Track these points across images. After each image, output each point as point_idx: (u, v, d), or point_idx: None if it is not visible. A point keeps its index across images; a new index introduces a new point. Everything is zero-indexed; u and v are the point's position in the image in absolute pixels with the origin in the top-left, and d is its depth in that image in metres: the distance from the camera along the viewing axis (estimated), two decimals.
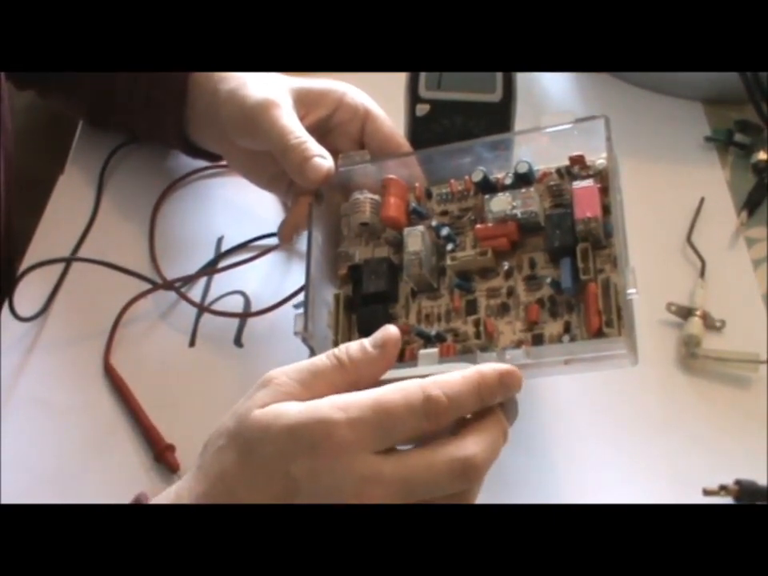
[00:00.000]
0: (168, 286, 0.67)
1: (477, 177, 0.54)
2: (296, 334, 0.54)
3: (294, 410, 0.42)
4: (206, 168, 0.75)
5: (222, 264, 0.69)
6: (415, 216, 0.57)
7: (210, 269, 0.69)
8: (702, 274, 0.67)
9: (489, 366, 0.44)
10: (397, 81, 0.64)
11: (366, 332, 0.55)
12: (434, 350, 0.50)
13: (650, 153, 0.75)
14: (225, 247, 0.71)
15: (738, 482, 0.53)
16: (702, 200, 0.72)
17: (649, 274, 0.66)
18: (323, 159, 0.57)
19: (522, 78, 0.64)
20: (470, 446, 0.42)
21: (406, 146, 0.62)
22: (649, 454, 0.58)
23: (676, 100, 0.80)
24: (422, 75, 0.64)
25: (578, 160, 0.54)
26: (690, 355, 0.62)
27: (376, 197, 0.57)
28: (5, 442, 0.59)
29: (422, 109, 0.66)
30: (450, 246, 0.54)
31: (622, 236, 0.50)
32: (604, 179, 0.52)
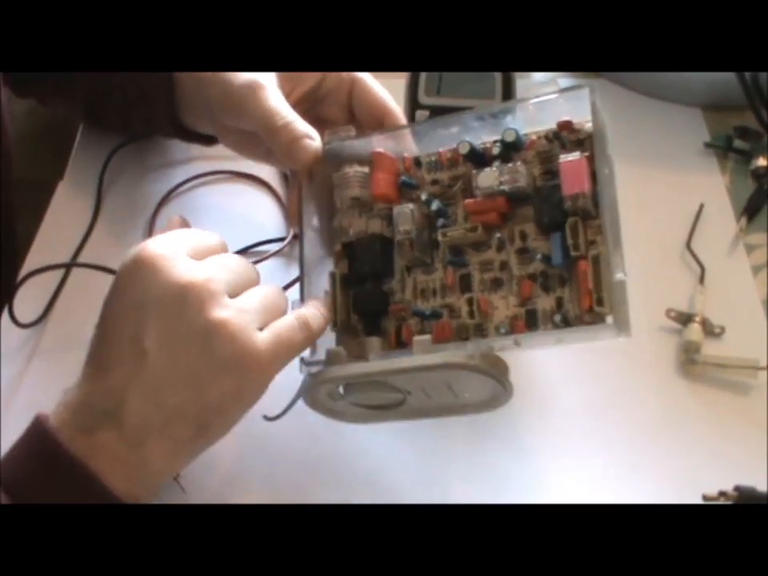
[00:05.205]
0: None
1: (464, 149, 0.54)
2: None
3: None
4: (205, 174, 0.75)
5: None
6: (406, 188, 0.56)
7: None
8: (702, 280, 0.67)
9: None
10: (396, 87, 0.64)
11: (363, 312, 0.55)
12: (427, 337, 0.51)
13: (650, 159, 0.76)
14: None
15: (737, 488, 0.53)
16: (702, 206, 0.72)
17: (648, 280, 0.67)
18: (311, 140, 0.57)
19: (522, 85, 0.64)
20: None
21: (394, 107, 0.61)
22: (648, 460, 0.58)
23: (675, 106, 0.80)
24: (422, 81, 0.64)
25: (565, 126, 0.52)
26: (690, 361, 0.62)
27: (365, 170, 0.56)
28: (5, 449, 0.59)
29: (422, 115, 0.66)
30: (440, 221, 0.54)
31: (610, 216, 0.49)
32: (593, 144, 0.52)
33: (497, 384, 0.50)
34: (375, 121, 0.61)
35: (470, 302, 0.52)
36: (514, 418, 0.60)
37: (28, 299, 0.66)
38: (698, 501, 0.53)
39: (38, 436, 0.46)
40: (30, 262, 0.69)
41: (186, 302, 0.46)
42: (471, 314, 0.52)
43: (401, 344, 0.54)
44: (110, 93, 0.70)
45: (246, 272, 0.52)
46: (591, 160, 0.51)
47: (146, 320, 0.46)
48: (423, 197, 0.55)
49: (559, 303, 0.50)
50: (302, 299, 0.55)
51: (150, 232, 0.71)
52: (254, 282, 0.52)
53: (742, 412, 0.60)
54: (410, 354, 0.51)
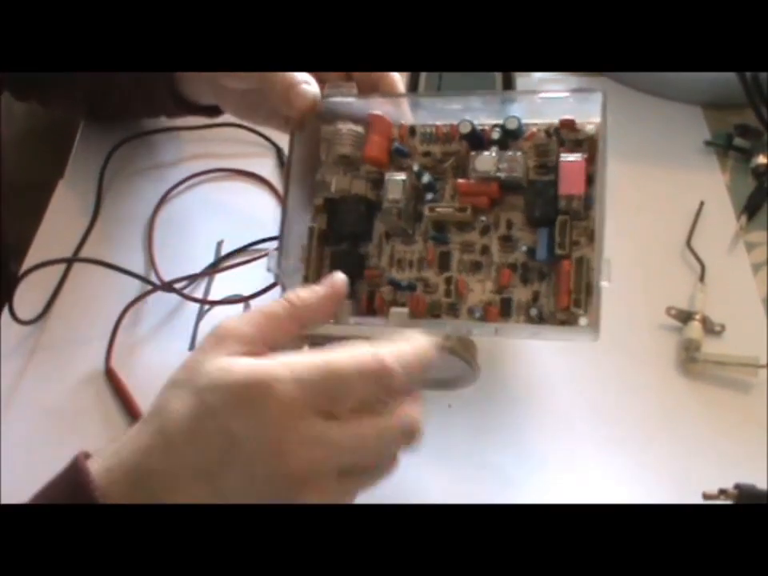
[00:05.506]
0: (168, 287, 0.67)
1: (465, 128, 0.53)
2: (268, 270, 0.54)
3: (241, 364, 0.41)
4: (205, 172, 0.75)
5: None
6: (397, 155, 0.56)
7: (211, 269, 0.69)
8: (702, 278, 0.67)
9: (430, 342, 0.45)
10: None
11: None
12: (405, 310, 0.52)
13: (650, 157, 0.76)
14: (225, 251, 0.71)
15: (737, 486, 0.53)
16: (702, 204, 0.72)
17: (649, 277, 0.67)
18: (308, 85, 0.57)
19: (522, 84, 0.64)
20: (415, 413, 0.43)
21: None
22: (649, 458, 0.58)
23: (676, 104, 0.80)
24: (422, 81, 0.64)
25: (567, 124, 0.53)
26: (690, 359, 0.62)
27: (359, 129, 0.56)
28: (5, 447, 0.59)
29: None
30: (429, 196, 0.54)
31: (600, 218, 0.49)
32: (592, 146, 0.52)
33: (466, 366, 0.50)
34: (371, 81, 0.60)
35: (448, 281, 0.53)
36: (514, 417, 0.60)
37: (28, 296, 0.66)
38: (698, 499, 0.53)
39: (73, 480, 0.43)
40: (31, 261, 0.69)
41: (285, 483, 0.40)
42: (448, 293, 0.53)
43: (372, 311, 0.54)
44: (110, 92, 0.70)
45: (379, 450, 0.43)
46: (589, 162, 0.51)
47: (230, 460, 0.40)
48: (415, 168, 0.55)
49: (535, 297, 0.51)
50: (281, 254, 0.54)
51: (150, 231, 0.71)
52: (387, 467, 0.44)
53: (742, 410, 0.61)
54: (384, 324, 0.51)
